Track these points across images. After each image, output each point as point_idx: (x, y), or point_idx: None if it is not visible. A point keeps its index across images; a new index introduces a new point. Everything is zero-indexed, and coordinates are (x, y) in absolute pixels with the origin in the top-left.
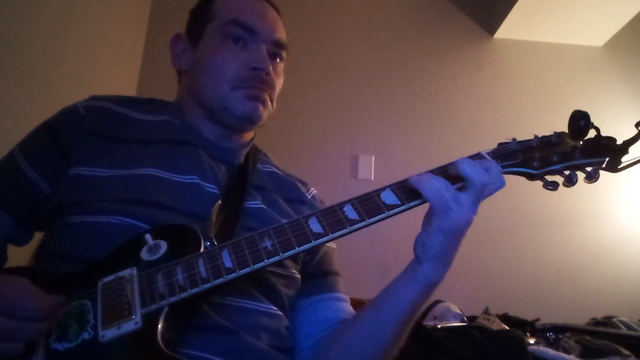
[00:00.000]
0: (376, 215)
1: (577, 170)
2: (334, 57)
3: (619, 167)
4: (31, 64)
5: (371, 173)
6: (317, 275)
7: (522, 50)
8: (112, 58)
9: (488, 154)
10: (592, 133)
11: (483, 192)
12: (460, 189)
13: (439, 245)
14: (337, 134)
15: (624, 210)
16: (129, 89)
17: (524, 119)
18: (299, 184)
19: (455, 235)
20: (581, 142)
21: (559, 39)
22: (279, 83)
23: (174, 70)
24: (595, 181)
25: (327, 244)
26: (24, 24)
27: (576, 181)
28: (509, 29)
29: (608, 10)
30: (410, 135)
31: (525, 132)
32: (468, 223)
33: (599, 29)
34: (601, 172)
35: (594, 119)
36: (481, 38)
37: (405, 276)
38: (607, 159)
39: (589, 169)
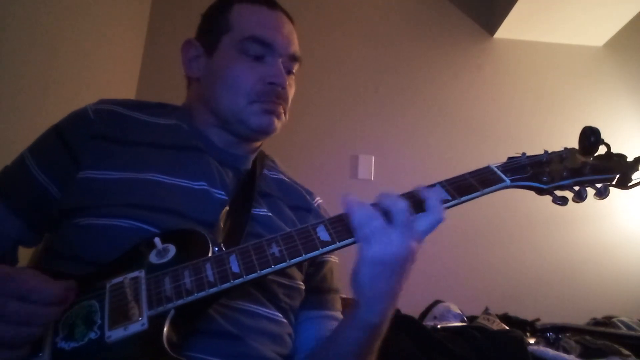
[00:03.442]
0: None
1: (587, 186)
2: (334, 57)
3: (629, 184)
4: (31, 64)
5: (371, 173)
6: (317, 291)
7: (522, 50)
8: (112, 58)
9: (497, 167)
10: (602, 149)
11: (408, 221)
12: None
13: (368, 281)
14: (337, 134)
15: (623, 211)
16: (129, 89)
17: (524, 119)
18: (305, 193)
19: (384, 267)
20: (591, 158)
21: (559, 39)
22: (292, 93)
23: (175, 71)
24: (605, 197)
25: (331, 258)
26: (23, 23)
27: (586, 197)
28: (509, 29)
29: (608, 10)
30: (410, 135)
31: (525, 132)
32: (397, 257)
33: (599, 29)
34: (611, 188)
35: (593, 119)
36: (481, 38)
37: (348, 318)
38: (617, 176)
39: (599, 185)
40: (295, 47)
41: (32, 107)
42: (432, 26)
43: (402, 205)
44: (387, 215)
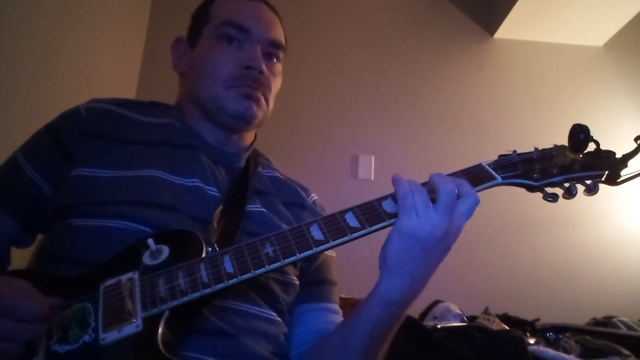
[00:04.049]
0: (377, 224)
1: (576, 183)
2: (334, 57)
3: (618, 180)
4: (31, 64)
5: (371, 173)
6: (313, 283)
7: (522, 50)
8: (112, 58)
9: (488, 165)
10: (592, 147)
11: (452, 205)
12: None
13: (396, 252)
14: (337, 134)
15: (623, 211)
16: (129, 90)
17: (524, 119)
18: (300, 189)
19: (416, 243)
20: (581, 156)
21: (559, 39)
22: (276, 83)
23: (175, 71)
24: (595, 194)
25: (327, 252)
26: (23, 24)
27: (576, 193)
28: (509, 29)
29: (608, 10)
30: (410, 135)
31: (525, 133)
32: (431, 236)
33: (599, 29)
34: (600, 185)
35: (593, 119)
36: (481, 38)
37: (369, 293)
38: (606, 172)
39: (588, 181)
40: (276, 34)
41: (32, 107)
42: (432, 26)
43: (451, 187)
44: (433, 194)
